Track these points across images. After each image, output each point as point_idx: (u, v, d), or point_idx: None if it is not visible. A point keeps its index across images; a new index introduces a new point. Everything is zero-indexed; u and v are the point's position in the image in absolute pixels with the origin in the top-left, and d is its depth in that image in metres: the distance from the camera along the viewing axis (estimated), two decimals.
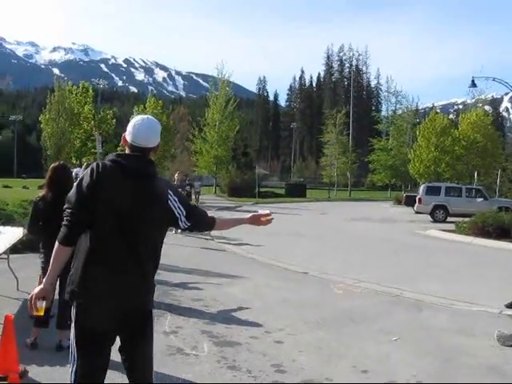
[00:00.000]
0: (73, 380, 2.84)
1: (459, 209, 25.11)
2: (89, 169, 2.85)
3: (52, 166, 5.53)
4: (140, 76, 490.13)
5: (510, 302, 7.68)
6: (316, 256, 12.87)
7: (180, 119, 75.09)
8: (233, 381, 4.61)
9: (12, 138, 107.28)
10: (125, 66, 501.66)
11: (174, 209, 2.95)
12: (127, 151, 2.97)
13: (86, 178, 2.80)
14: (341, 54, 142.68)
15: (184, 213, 2.99)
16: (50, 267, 2.83)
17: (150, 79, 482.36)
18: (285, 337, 5.99)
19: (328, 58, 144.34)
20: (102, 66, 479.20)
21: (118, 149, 45.57)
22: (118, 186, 2.79)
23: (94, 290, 2.75)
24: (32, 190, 29.86)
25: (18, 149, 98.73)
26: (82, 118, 43.27)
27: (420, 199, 26.80)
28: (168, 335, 5.80)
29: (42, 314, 2.90)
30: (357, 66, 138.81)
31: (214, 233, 15.85)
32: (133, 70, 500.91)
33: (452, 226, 19.97)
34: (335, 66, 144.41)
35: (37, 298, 2.82)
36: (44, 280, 2.87)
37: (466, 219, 19.09)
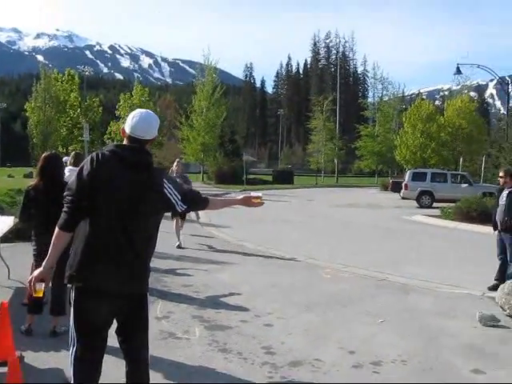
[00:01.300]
0: (72, 361, 2.96)
1: (445, 194, 25.41)
2: (89, 158, 2.97)
3: (44, 155, 5.56)
4: (126, 63, 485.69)
5: (493, 284, 7.91)
6: (303, 242, 13.02)
7: (167, 106, 74.85)
8: (224, 363, 4.75)
9: None
10: (110, 52, 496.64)
11: (170, 196, 3.08)
12: (125, 142, 3.09)
13: (86, 167, 2.91)
14: (327, 41, 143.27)
15: (180, 197, 3.13)
16: (49, 251, 2.95)
17: (136, 66, 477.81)
18: (274, 320, 6.14)
19: (315, 44, 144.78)
20: (87, 52, 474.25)
21: (105, 137, 45.49)
22: (117, 175, 2.90)
23: (92, 274, 2.87)
24: (17, 178, 29.65)
25: (2, 137, 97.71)
26: (68, 106, 43.01)
27: (406, 185, 27.09)
28: (160, 320, 5.92)
29: (40, 295, 3.04)
30: (343, 52, 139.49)
31: (202, 219, 16.00)
32: (118, 56, 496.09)
33: (437, 212, 20.26)
34: (322, 52, 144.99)
35: (36, 280, 2.95)
36: (44, 263, 2.99)
37: (452, 205, 19.36)
